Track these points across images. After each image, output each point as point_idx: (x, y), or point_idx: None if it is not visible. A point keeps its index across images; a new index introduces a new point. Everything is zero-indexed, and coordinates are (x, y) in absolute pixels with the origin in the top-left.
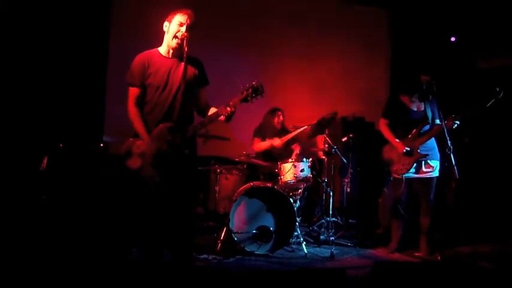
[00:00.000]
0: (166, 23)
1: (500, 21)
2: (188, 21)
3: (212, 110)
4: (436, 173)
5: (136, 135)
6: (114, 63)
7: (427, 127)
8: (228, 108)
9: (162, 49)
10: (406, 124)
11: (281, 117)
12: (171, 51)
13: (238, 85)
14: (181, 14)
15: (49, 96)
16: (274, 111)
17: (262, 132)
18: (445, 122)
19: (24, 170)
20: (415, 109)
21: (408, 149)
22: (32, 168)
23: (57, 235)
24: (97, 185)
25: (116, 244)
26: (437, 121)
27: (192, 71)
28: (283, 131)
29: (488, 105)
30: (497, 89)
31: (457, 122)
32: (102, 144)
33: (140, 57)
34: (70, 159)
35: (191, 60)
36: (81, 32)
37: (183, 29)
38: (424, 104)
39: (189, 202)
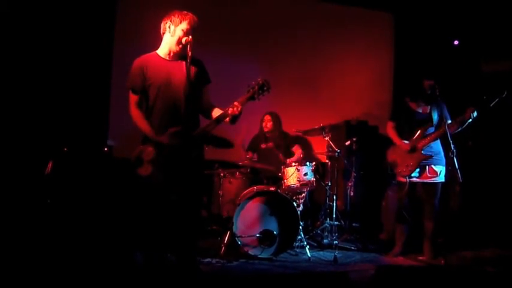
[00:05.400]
0: (170, 24)
1: (503, 24)
2: (193, 26)
3: (216, 111)
4: (441, 179)
5: (145, 141)
6: (118, 66)
7: (432, 129)
8: (230, 110)
9: (162, 51)
10: (410, 125)
11: (266, 122)
12: (172, 53)
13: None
14: (186, 22)
15: (53, 101)
16: (262, 116)
17: (255, 142)
18: (453, 121)
19: (29, 174)
20: (420, 111)
21: (409, 148)
22: (36, 172)
23: (62, 239)
24: (101, 189)
25: (120, 248)
26: (449, 121)
27: (193, 71)
28: (276, 135)
29: (492, 105)
30: (501, 89)
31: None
32: (106, 148)
33: (138, 61)
34: (75, 163)
35: (191, 61)
36: (85, 35)
37: (188, 34)
38: (430, 107)
39: (195, 206)
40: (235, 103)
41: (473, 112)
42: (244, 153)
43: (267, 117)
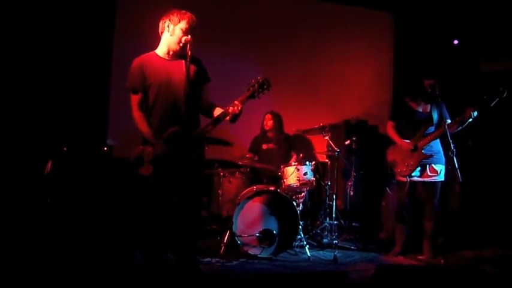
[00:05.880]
0: (169, 23)
1: (503, 24)
2: (192, 26)
3: (217, 110)
4: (441, 178)
5: (145, 142)
6: (118, 66)
7: (432, 129)
8: (231, 109)
9: (161, 51)
10: (411, 124)
11: (267, 121)
12: (171, 52)
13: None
14: (185, 21)
15: (53, 100)
16: (264, 115)
17: (256, 143)
18: (453, 121)
19: (28, 174)
20: (421, 110)
21: (412, 147)
22: (36, 172)
23: (62, 238)
24: (101, 188)
25: (120, 248)
26: (448, 120)
27: (193, 70)
28: (277, 136)
29: (492, 104)
30: (501, 89)
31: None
32: (106, 148)
33: (137, 61)
34: (74, 163)
35: (190, 59)
36: (84, 34)
37: (187, 33)
38: (430, 106)
39: (195, 206)
40: (236, 102)
41: (473, 112)
42: (245, 153)
43: (268, 116)
